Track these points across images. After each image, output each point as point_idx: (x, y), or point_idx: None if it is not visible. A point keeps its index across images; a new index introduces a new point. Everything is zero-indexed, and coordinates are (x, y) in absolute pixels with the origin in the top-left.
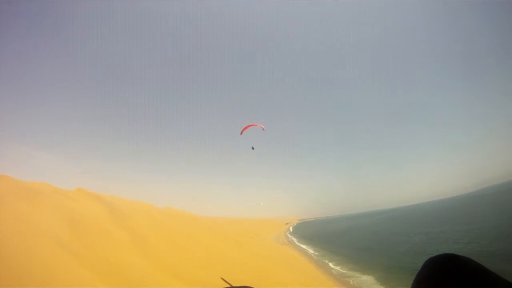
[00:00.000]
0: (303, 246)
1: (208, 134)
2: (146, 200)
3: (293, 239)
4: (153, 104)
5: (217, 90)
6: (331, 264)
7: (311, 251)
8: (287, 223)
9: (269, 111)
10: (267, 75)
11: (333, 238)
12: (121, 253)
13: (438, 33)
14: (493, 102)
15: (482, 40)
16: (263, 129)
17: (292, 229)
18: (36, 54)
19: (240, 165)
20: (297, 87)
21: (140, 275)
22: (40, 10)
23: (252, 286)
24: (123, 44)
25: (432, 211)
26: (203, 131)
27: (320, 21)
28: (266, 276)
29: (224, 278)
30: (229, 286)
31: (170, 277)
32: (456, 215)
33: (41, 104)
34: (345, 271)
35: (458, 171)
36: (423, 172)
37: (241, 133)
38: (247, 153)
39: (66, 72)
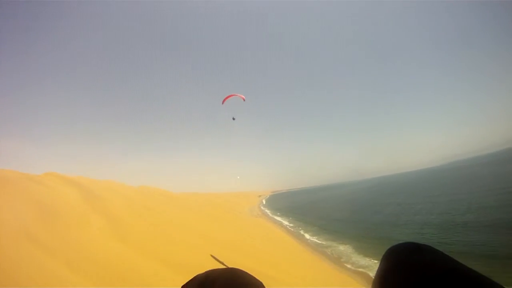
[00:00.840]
0: (277, 218)
1: (178, 107)
2: (118, 179)
3: (267, 211)
4: (122, 78)
5: (188, 58)
6: (307, 235)
7: (285, 222)
8: (259, 196)
9: (242, 80)
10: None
11: (307, 209)
12: (100, 241)
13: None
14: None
15: (479, 13)
16: (244, 100)
17: (265, 202)
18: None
19: (210, 139)
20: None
21: (124, 266)
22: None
23: (241, 268)
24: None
25: (406, 182)
26: (173, 104)
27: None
28: (245, 250)
29: (215, 256)
30: (221, 264)
31: (157, 263)
32: (428, 187)
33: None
34: (322, 242)
35: (451, 140)
36: (416, 140)
37: (222, 103)
38: (217, 126)
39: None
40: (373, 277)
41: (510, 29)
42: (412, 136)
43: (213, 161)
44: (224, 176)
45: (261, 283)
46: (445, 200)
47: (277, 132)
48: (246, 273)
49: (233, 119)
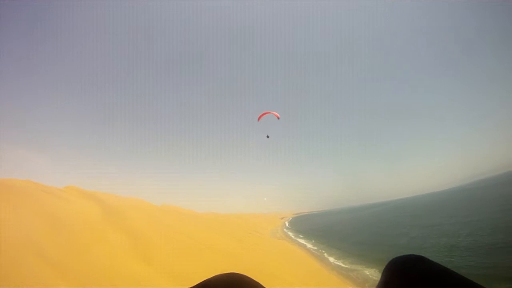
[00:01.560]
0: (301, 241)
1: (198, 130)
2: (139, 197)
3: (289, 233)
4: (143, 101)
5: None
6: (331, 259)
7: (309, 245)
8: (282, 218)
9: (269, 99)
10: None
11: (329, 231)
12: (121, 260)
13: (438, 29)
14: (492, 95)
15: (480, 36)
16: (278, 118)
17: (288, 224)
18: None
19: (233, 161)
20: (285, 84)
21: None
22: None
23: (240, 273)
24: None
25: (427, 203)
26: (194, 126)
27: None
28: (269, 272)
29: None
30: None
31: (178, 283)
32: (451, 208)
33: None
34: (346, 266)
35: (453, 164)
36: (419, 166)
37: (258, 120)
38: (239, 149)
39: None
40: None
41: None
42: (426, 160)
43: (236, 183)
44: (245, 197)
45: (261, 285)
46: (470, 221)
47: (299, 155)
48: (245, 275)
49: (267, 137)
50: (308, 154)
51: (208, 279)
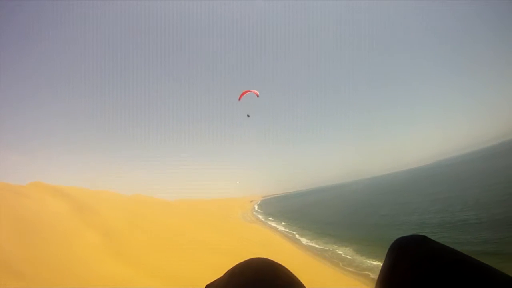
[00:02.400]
0: (271, 224)
1: (164, 112)
2: (109, 188)
3: (259, 216)
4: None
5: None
6: (303, 240)
7: (280, 227)
8: (251, 201)
9: (236, 77)
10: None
11: (299, 213)
12: (96, 261)
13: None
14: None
15: (481, 12)
16: (257, 96)
17: (257, 207)
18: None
19: (202, 144)
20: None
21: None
22: None
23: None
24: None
25: (397, 182)
26: (156, 107)
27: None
28: (246, 257)
29: None
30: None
31: (160, 282)
32: (422, 185)
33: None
34: (320, 246)
35: (432, 139)
36: (389, 144)
37: (239, 99)
38: (211, 131)
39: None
40: (380, 269)
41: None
42: (402, 134)
43: (200, 167)
44: (212, 182)
45: (290, 271)
46: (441, 198)
47: (264, 135)
48: (278, 263)
49: (248, 116)
50: (279, 132)
51: (240, 263)
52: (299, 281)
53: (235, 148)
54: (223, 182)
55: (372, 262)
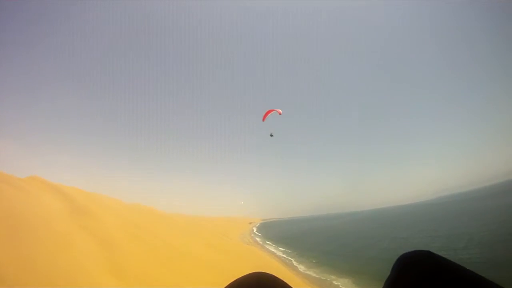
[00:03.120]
0: (270, 248)
1: (169, 130)
2: (109, 193)
3: (258, 239)
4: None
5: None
6: (301, 267)
7: (278, 252)
8: (250, 223)
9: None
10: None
11: (298, 239)
12: (89, 270)
13: (442, 30)
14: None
15: (483, 39)
16: (280, 114)
17: (256, 229)
18: None
19: (204, 162)
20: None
21: None
22: None
23: (268, 272)
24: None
25: (396, 215)
26: (164, 126)
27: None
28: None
29: None
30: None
31: None
32: (423, 220)
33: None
34: (317, 276)
35: (431, 176)
36: (388, 178)
37: (263, 120)
38: (210, 150)
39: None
40: (384, 283)
41: None
42: (404, 169)
43: (203, 185)
44: (212, 200)
45: (288, 285)
46: (442, 235)
47: (266, 160)
48: (273, 275)
49: (271, 135)
50: (282, 160)
51: (238, 279)
52: None
53: (237, 170)
54: (222, 201)
55: None
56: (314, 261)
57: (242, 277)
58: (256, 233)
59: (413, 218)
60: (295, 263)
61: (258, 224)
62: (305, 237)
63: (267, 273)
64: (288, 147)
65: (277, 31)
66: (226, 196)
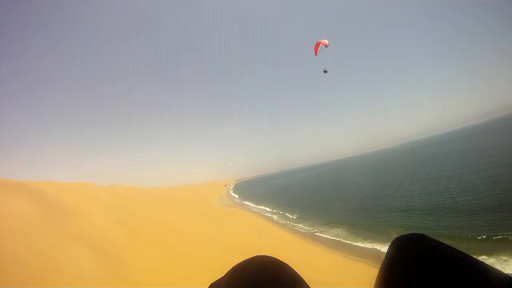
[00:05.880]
0: (249, 204)
1: (129, 97)
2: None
3: (237, 200)
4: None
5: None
6: (292, 223)
7: (262, 212)
8: (225, 185)
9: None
10: None
11: (277, 195)
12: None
13: None
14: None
15: None
16: (326, 46)
17: (233, 191)
18: None
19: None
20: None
21: None
22: None
23: (273, 256)
24: None
25: (359, 164)
26: (123, 93)
27: None
28: (248, 246)
29: None
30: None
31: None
32: (377, 170)
33: None
34: (309, 228)
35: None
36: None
37: (315, 54)
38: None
39: None
40: (380, 266)
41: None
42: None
43: (164, 154)
44: (183, 168)
45: (296, 272)
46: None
47: (231, 118)
48: (281, 261)
49: (325, 71)
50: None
51: (243, 262)
52: (303, 279)
53: (206, 132)
54: (195, 167)
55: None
56: (299, 214)
57: (248, 260)
58: (234, 194)
59: (382, 166)
60: (286, 220)
61: (233, 185)
62: (284, 191)
63: (272, 257)
64: (253, 106)
65: None
66: (198, 161)
